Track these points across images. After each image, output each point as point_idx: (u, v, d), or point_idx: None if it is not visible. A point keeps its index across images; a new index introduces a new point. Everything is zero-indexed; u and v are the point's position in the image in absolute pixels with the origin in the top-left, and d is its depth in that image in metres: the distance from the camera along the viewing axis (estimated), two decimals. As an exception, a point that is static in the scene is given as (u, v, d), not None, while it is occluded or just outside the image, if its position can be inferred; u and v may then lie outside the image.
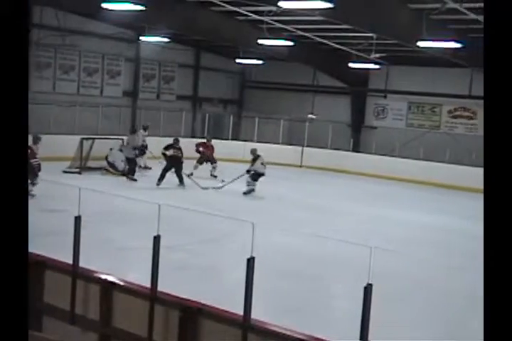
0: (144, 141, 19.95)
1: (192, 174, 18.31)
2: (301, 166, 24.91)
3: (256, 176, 16.76)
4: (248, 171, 17.01)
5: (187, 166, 17.79)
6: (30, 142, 13.51)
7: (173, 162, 17.06)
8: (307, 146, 25.41)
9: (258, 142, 24.57)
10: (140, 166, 19.39)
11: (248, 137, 25.81)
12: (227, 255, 9.89)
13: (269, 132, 25.93)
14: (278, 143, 25.56)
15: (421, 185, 21.50)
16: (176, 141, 17.42)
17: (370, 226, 13.37)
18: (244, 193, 16.60)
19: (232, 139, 26.25)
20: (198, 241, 10.90)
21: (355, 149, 25.58)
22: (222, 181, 17.69)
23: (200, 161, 19.54)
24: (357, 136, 26.56)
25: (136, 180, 17.70)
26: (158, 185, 16.83)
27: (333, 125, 25.72)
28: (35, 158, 13.56)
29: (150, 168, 19.60)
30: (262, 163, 16.85)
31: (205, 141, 20.59)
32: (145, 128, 20.73)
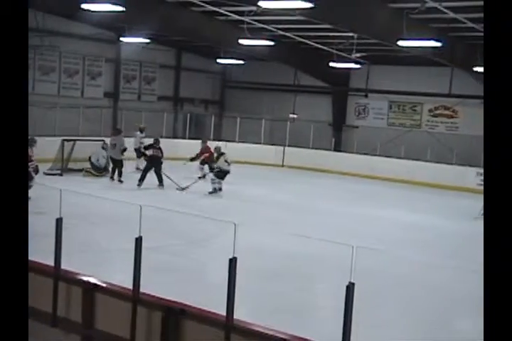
0: (141, 143, 19.72)
1: (204, 176, 18.13)
2: (282, 166, 25.04)
3: (221, 174, 16.64)
4: (211, 169, 17.06)
5: (180, 168, 17.72)
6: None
7: (153, 162, 17.10)
8: (289, 146, 25.60)
9: (240, 142, 24.62)
10: (137, 168, 19.38)
11: (230, 137, 25.84)
12: (210, 256, 9.88)
13: (250, 132, 26.00)
14: (260, 143, 25.64)
15: (403, 184, 21.59)
16: (156, 141, 17.42)
17: (354, 225, 13.42)
18: (210, 192, 16.46)
19: (214, 139, 26.17)
20: (182, 243, 10.89)
21: (337, 148, 25.74)
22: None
23: (203, 163, 19.21)
24: (338, 135, 26.70)
25: (122, 181, 17.57)
26: (138, 186, 16.83)
27: (315, 124, 25.85)
28: (32, 160, 13.54)
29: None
30: (226, 161, 16.72)
31: (207, 144, 19.77)
32: (141, 130, 20.59)
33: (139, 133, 20.40)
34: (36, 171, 13.72)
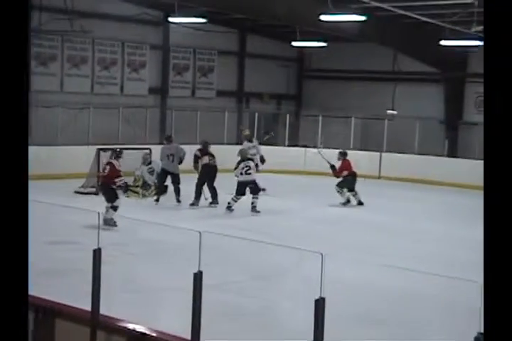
0: (253, 155, 19.24)
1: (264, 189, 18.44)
2: (379, 177, 24.75)
3: (240, 187, 16.83)
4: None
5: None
6: (109, 157, 14.91)
7: (208, 173, 17.24)
8: (387, 151, 25.22)
9: (324, 147, 24.42)
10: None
11: (309, 141, 25.54)
12: (285, 296, 9.87)
13: (336, 134, 25.46)
14: (349, 149, 24.30)
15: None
16: (206, 144, 17.64)
17: (474, 255, 13.06)
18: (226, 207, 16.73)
19: (290, 145, 26.30)
20: (247, 278, 10.91)
21: (452, 153, 25.33)
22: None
23: None
24: (453, 135, 26.25)
25: (180, 202, 17.60)
26: (193, 205, 17.00)
27: (421, 122, 25.39)
28: (120, 175, 14.23)
29: None
30: (245, 168, 16.83)
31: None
32: (249, 139, 20.42)
33: (246, 142, 20.09)
34: (126, 188, 14.26)
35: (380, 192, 21.42)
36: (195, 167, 17.49)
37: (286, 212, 17.21)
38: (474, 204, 19.59)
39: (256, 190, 16.83)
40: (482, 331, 4.94)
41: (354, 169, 19.03)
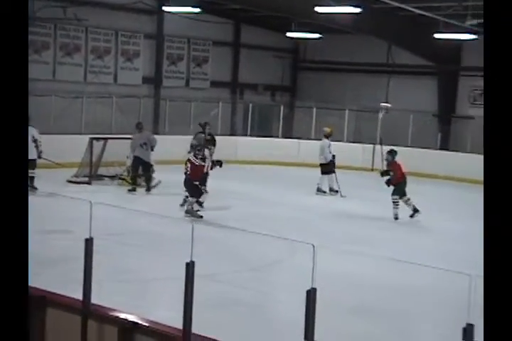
0: (331, 153, 19.53)
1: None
2: (372, 170, 24.06)
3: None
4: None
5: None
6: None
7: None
8: (381, 144, 24.41)
9: (316, 139, 24.33)
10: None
11: (303, 134, 25.63)
12: (278, 286, 9.92)
13: (330, 127, 24.32)
14: (342, 141, 25.12)
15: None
16: (205, 124, 17.78)
17: (468, 249, 12.84)
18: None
19: (284, 137, 26.29)
20: (241, 269, 10.92)
21: (444, 146, 25.34)
22: None
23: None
24: (446, 129, 26.15)
25: (150, 189, 17.62)
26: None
27: (415, 115, 25.41)
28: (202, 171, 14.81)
29: None
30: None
31: None
32: (328, 135, 19.99)
33: (325, 139, 19.76)
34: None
35: (374, 186, 21.37)
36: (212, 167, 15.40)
37: (281, 204, 17.08)
38: (469, 198, 19.75)
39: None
40: (471, 322, 5.06)
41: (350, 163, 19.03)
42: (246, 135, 26.37)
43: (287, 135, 26.13)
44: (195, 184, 14.54)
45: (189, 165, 14.60)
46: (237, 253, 11.49)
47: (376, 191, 19.28)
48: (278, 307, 9.25)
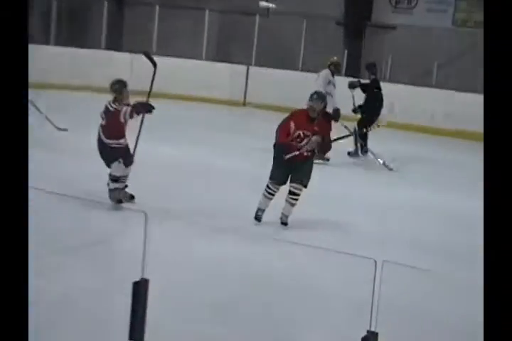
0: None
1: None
2: (244, 104, 22.01)
3: None
4: None
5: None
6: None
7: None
8: (257, 65, 22.20)
9: (164, 56, 18.57)
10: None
11: (139, 44, 20.55)
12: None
13: (180, 33, 22.98)
14: (201, 59, 22.42)
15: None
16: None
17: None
18: None
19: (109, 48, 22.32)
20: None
21: (352, 69, 21.56)
22: None
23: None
24: (356, 43, 23.07)
25: None
26: None
27: (310, 22, 22.45)
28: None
29: None
30: None
31: None
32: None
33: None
34: None
35: (245, 127, 18.28)
36: None
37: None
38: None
39: None
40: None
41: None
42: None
43: (113, 46, 22.01)
44: None
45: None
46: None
47: (239, 135, 17.08)
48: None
